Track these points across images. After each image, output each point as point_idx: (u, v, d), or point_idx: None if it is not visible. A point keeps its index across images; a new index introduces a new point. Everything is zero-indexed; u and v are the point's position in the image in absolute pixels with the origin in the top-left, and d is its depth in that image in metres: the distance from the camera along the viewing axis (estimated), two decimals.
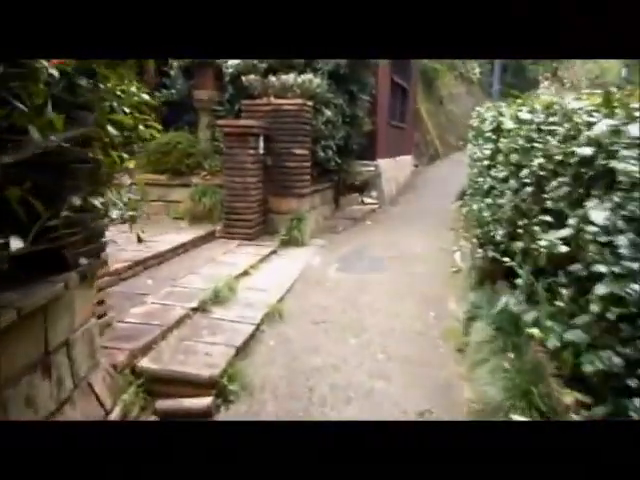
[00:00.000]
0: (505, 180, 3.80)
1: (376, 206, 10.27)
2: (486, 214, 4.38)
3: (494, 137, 4.39)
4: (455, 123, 22.47)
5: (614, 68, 23.47)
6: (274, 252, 6.70)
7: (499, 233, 3.81)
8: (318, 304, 4.88)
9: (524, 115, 3.54)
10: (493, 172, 4.23)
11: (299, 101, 7.37)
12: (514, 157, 3.51)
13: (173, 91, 8.68)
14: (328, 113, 7.99)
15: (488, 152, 4.39)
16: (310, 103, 7.58)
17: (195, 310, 4.28)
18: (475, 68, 26.21)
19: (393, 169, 12.65)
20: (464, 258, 6.54)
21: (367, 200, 10.41)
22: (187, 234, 6.65)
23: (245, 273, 5.56)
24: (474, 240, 5.10)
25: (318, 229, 8.29)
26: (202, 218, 7.48)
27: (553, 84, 15.18)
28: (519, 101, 3.85)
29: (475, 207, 4.81)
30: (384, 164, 11.74)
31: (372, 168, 10.97)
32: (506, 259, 3.42)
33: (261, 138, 7.19)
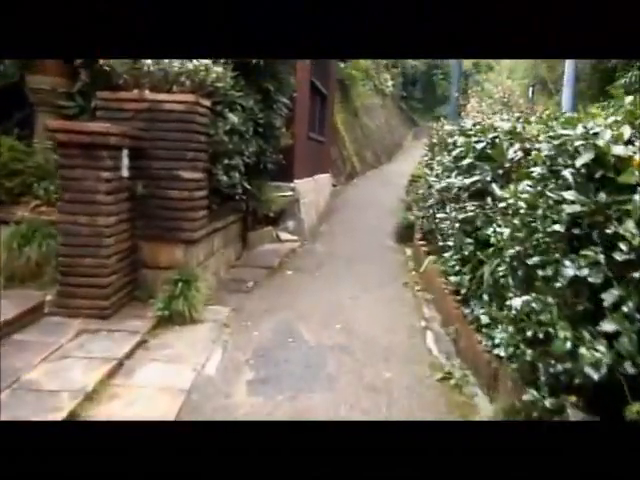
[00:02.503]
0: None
1: (296, 243, 7.85)
2: (567, 335, 2.12)
3: (581, 175, 2.14)
4: (370, 138, 20.78)
5: (518, 88, 23.15)
6: (143, 344, 4.03)
7: None
8: None
9: None
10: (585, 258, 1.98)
11: (189, 98, 4.78)
12: None
13: None
14: (233, 119, 5.46)
15: (581, 208, 2.13)
16: (206, 102, 5.02)
17: None
18: (388, 80, 24.81)
19: (313, 191, 10.34)
20: (441, 344, 4.31)
21: (283, 235, 7.96)
22: None
23: (71, 416, 2.86)
24: (509, 365, 2.84)
25: (219, 286, 5.70)
26: (26, 278, 4.61)
27: (482, 100, 13.78)
28: None
29: (517, 303, 2.53)
30: (303, 186, 9.39)
31: (289, 192, 8.57)
32: None
33: (124, 153, 4.50)
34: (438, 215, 4.68)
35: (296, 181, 8.99)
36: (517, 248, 2.67)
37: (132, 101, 4.79)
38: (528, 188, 2.64)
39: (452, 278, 4.04)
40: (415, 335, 4.53)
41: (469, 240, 3.63)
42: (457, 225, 3.84)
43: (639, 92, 12.78)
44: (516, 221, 2.68)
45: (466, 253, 3.58)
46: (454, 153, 4.07)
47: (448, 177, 4.42)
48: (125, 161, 4.51)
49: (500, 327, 2.96)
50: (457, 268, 4.00)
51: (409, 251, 7.74)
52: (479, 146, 3.48)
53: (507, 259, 2.78)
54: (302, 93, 8.87)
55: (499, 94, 13.31)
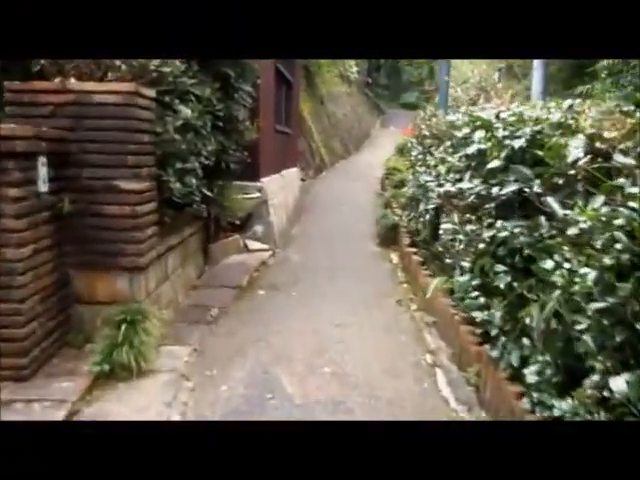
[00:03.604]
0: None
1: (266, 253, 6.87)
2: None
3: None
4: (337, 127, 19.82)
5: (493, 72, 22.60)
6: (73, 416, 3.01)
7: None
8: None
9: None
10: None
11: (126, 87, 3.74)
12: None
13: None
14: (186, 112, 4.43)
15: None
16: (150, 92, 3.98)
17: None
18: (353, 66, 23.83)
19: (281, 189, 9.36)
20: (457, 390, 3.46)
21: (252, 244, 6.97)
22: None
23: None
24: None
25: (176, 316, 4.69)
26: None
27: (455, 85, 13.00)
28: None
29: (620, 385, 1.67)
30: (271, 184, 8.40)
31: (256, 193, 7.57)
32: None
33: (41, 161, 3.43)
34: (443, 226, 3.80)
35: (263, 179, 7.99)
36: (611, 300, 1.79)
37: (52, 93, 3.72)
38: (627, 212, 1.76)
39: (476, 314, 3.17)
40: (423, 378, 3.65)
41: (502, 267, 2.76)
42: (482, 246, 2.96)
43: (621, 73, 12.21)
44: (608, 260, 1.80)
45: (500, 285, 2.71)
46: (469, 150, 3.18)
47: (458, 180, 3.54)
48: (42, 172, 3.45)
49: (571, 402, 2.09)
50: (481, 300, 3.13)
51: (395, 257, 6.87)
52: (516, 144, 2.59)
53: (589, 312, 1.91)
54: (267, 80, 7.86)
55: (474, 79, 12.59)
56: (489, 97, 12.50)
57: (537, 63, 13.06)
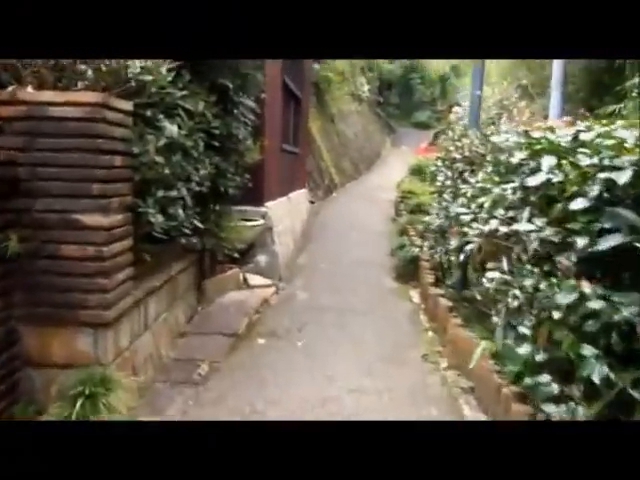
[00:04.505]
0: None
1: (269, 289, 6.05)
2: None
3: None
4: (348, 147, 19.12)
5: (515, 91, 21.79)
6: None
7: None
8: None
9: None
10: None
11: (91, 98, 3.00)
12: None
13: None
14: (172, 129, 3.67)
15: None
16: (124, 105, 3.24)
17: None
18: (364, 84, 23.24)
19: (288, 214, 8.58)
20: None
21: (253, 279, 6.16)
22: None
23: None
24: None
25: (156, 373, 3.88)
26: None
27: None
28: None
29: None
30: (276, 209, 7.62)
31: (260, 220, 6.79)
32: None
33: None
34: (489, 274, 2.98)
35: (268, 204, 7.22)
36: None
37: (1, 105, 3.00)
38: None
39: (549, 408, 2.27)
40: None
41: (591, 349, 1.94)
42: (556, 314, 2.15)
43: None
44: None
45: (594, 379, 1.88)
46: (533, 182, 2.38)
47: (511, 219, 2.74)
48: None
49: None
50: (555, 388, 2.28)
51: (416, 295, 6.03)
52: (620, 178, 1.79)
53: None
54: (273, 94, 7.14)
55: (495, 97, 11.82)
56: (512, 116, 11.69)
57: (555, 83, 12.24)
